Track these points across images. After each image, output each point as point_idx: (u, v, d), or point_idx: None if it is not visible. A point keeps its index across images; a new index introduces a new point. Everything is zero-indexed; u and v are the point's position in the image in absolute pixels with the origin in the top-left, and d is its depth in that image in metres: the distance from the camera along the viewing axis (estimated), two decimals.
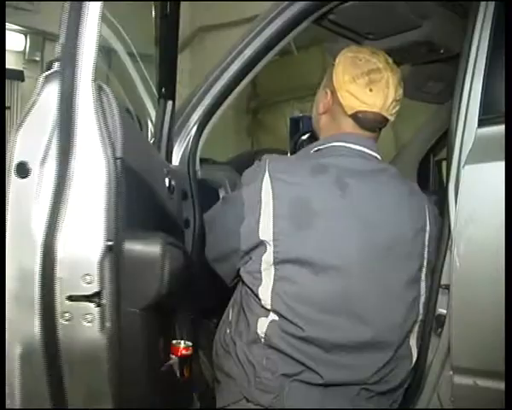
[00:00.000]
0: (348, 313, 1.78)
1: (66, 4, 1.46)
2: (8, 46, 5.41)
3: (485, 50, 1.93)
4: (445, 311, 1.94)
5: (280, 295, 1.75)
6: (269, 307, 1.76)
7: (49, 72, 1.48)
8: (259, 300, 1.78)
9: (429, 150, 3.58)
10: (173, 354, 1.84)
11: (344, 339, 1.78)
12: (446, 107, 3.19)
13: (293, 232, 1.76)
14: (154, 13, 2.37)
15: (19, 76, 5.69)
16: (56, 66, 1.48)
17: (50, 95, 1.47)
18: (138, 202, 1.65)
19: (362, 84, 1.90)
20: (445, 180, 3.24)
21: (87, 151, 1.47)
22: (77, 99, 1.46)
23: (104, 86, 1.52)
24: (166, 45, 2.24)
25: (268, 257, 1.76)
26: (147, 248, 1.56)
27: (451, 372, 1.90)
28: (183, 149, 2.31)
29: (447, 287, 1.90)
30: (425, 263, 1.93)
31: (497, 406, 1.56)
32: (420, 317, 1.96)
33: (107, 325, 1.48)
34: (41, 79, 1.48)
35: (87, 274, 1.46)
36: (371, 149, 1.94)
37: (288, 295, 1.75)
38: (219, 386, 1.91)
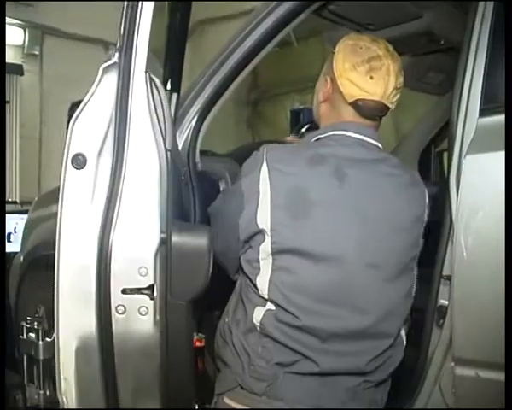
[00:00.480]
0: (345, 302, 1.78)
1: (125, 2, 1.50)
2: (7, 40, 5.39)
3: (487, 40, 1.94)
4: (446, 302, 1.94)
5: (277, 284, 1.76)
6: (266, 296, 1.77)
7: (107, 63, 1.51)
8: (257, 289, 1.79)
9: (430, 141, 3.57)
10: None
11: (341, 328, 1.78)
12: (447, 98, 3.20)
13: (291, 222, 1.76)
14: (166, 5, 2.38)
15: (18, 70, 5.68)
16: (115, 57, 1.50)
17: (107, 86, 1.50)
18: (177, 192, 1.69)
19: (362, 72, 1.88)
20: (446, 171, 3.25)
21: (140, 143, 1.49)
22: (132, 90, 1.49)
23: (154, 78, 1.55)
24: (174, 38, 2.24)
25: (266, 247, 1.76)
26: (195, 240, 1.58)
27: (453, 364, 1.90)
28: (183, 141, 2.30)
29: (449, 278, 1.90)
30: (418, 252, 1.92)
31: (499, 397, 1.56)
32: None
33: (158, 317, 1.52)
34: (100, 71, 1.50)
35: (142, 267, 1.49)
36: (372, 138, 1.93)
37: (285, 285, 1.76)
38: (218, 375, 1.91)
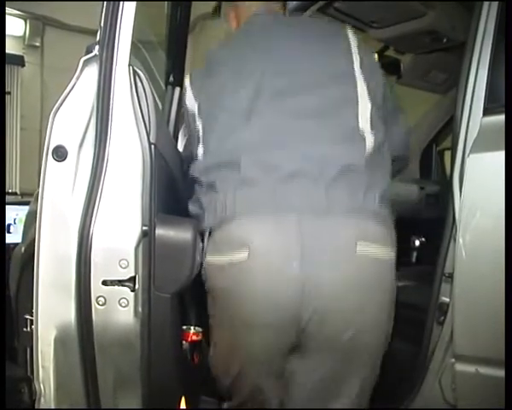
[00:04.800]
0: None
1: None
2: (7, 31, 5.37)
3: (491, 39, 1.93)
4: (447, 299, 1.95)
5: None
6: None
7: (87, 56, 1.50)
8: None
9: (432, 140, 3.58)
10: (184, 339, 1.84)
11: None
12: (449, 96, 3.20)
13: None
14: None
15: (19, 61, 5.66)
16: (95, 49, 1.50)
17: (89, 79, 1.49)
18: (166, 186, 1.67)
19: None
20: (447, 170, 3.26)
21: (123, 136, 1.48)
22: (114, 83, 1.47)
23: (139, 71, 1.54)
24: (176, 33, 2.25)
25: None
26: (179, 234, 1.57)
27: (453, 360, 1.91)
28: (186, 139, 2.31)
29: (450, 276, 1.91)
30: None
31: (499, 393, 1.57)
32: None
33: (140, 309, 1.51)
34: (80, 63, 1.50)
35: (123, 259, 1.48)
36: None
37: None
38: None
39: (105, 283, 1.49)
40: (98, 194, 1.45)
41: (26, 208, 2.84)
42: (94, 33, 1.53)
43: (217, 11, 2.09)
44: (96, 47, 1.49)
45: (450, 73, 3.22)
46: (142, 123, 1.48)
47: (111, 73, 1.45)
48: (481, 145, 1.85)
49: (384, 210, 1.63)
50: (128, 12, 1.46)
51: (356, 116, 1.67)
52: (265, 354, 1.62)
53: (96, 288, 1.49)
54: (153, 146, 1.49)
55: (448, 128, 3.25)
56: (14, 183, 5.52)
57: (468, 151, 1.87)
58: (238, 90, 1.68)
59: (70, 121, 1.47)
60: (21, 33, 5.87)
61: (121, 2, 1.46)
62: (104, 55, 1.46)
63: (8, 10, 5.42)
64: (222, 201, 1.59)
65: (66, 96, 1.46)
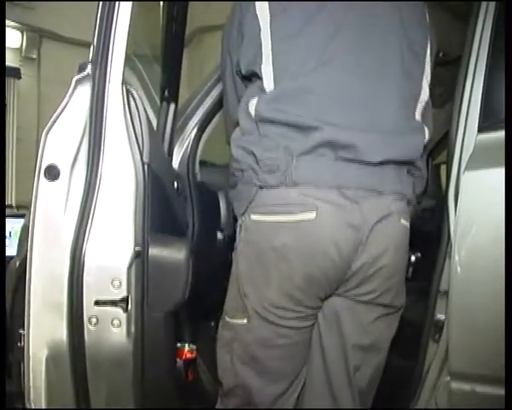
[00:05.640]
0: None
1: (99, 8, 1.48)
2: None
3: (485, 57, 1.94)
4: (443, 316, 1.94)
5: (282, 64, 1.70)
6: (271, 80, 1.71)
7: (80, 75, 1.50)
8: (261, 80, 1.72)
9: (428, 154, 3.57)
10: (178, 357, 1.84)
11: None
12: (445, 110, 3.20)
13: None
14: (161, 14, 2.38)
15: (15, 73, 5.67)
16: (88, 68, 1.49)
17: (81, 98, 1.49)
18: (159, 205, 1.67)
19: None
20: (443, 184, 3.26)
21: (116, 155, 1.48)
22: (107, 103, 1.47)
23: (132, 90, 1.53)
24: (171, 48, 2.24)
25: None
26: (172, 254, 1.57)
27: (449, 378, 1.90)
28: (182, 152, 2.31)
29: (446, 293, 1.91)
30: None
31: None
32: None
33: (133, 329, 1.50)
34: (73, 82, 1.49)
35: (115, 279, 1.48)
36: None
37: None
38: (234, 197, 1.86)
39: (97, 303, 1.48)
40: (91, 213, 1.45)
41: (21, 221, 2.83)
42: (89, 45, 1.53)
43: None
44: (89, 66, 1.48)
45: (446, 86, 3.21)
46: (136, 143, 1.47)
47: (104, 93, 1.45)
48: (476, 162, 1.85)
49: (413, 194, 1.85)
50: (121, 30, 1.46)
51: (415, 110, 1.81)
52: (319, 283, 1.72)
53: (89, 308, 1.48)
54: (146, 166, 1.49)
55: (444, 142, 3.25)
56: (9, 195, 5.51)
57: (463, 168, 1.87)
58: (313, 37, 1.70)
59: (62, 140, 1.46)
60: (18, 45, 5.89)
61: (114, 21, 1.45)
62: (97, 73, 1.45)
63: (6, 22, 5.44)
64: (286, 161, 1.66)
65: (58, 116, 1.46)
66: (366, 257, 1.71)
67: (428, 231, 2.56)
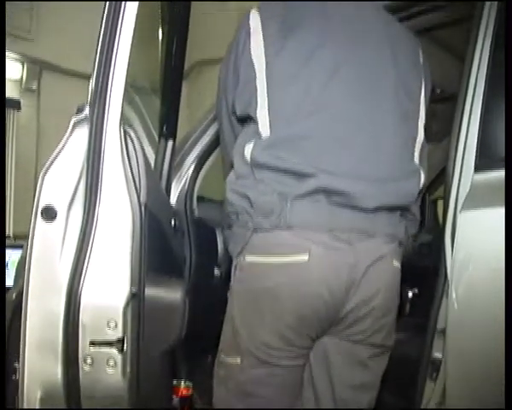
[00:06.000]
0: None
1: (98, 49, 1.50)
2: None
3: (482, 94, 1.94)
4: (440, 355, 1.93)
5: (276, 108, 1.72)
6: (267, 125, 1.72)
7: (78, 117, 1.51)
8: (257, 124, 1.73)
9: (425, 189, 3.57)
10: (174, 394, 1.83)
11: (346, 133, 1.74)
12: (442, 146, 3.21)
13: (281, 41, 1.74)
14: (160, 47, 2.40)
15: (15, 105, 5.70)
16: (86, 110, 1.50)
17: (79, 140, 1.50)
18: (156, 244, 1.68)
19: None
20: (440, 220, 3.26)
21: (113, 197, 1.49)
22: (104, 144, 1.48)
23: (130, 131, 1.55)
24: (170, 81, 2.26)
25: (261, 76, 1.74)
26: (169, 294, 1.58)
27: None
28: (180, 188, 2.32)
29: (443, 331, 1.90)
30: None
31: None
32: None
33: (129, 370, 1.50)
34: (71, 124, 1.51)
35: (111, 320, 1.48)
36: None
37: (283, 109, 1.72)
38: (229, 238, 1.86)
39: (93, 343, 1.48)
40: (87, 254, 1.45)
41: (18, 252, 2.83)
42: (89, 77, 1.54)
43: None
44: (87, 107, 1.49)
45: (444, 122, 3.23)
46: (133, 183, 1.48)
47: (101, 134, 1.46)
48: (473, 202, 1.85)
49: (405, 236, 1.88)
50: (119, 74, 1.47)
51: (414, 152, 1.86)
52: (311, 324, 1.73)
53: (84, 348, 1.48)
54: (143, 206, 1.49)
55: (441, 178, 3.26)
56: (7, 225, 5.51)
57: (459, 207, 1.87)
58: (311, 76, 1.72)
59: (60, 181, 1.47)
60: (18, 77, 5.91)
61: (113, 64, 1.46)
62: (95, 115, 1.46)
63: (6, 53, 5.47)
64: (281, 205, 1.67)
65: (56, 157, 1.47)
66: (358, 299, 1.73)
67: (426, 267, 2.56)
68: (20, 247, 2.86)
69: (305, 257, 1.67)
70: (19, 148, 5.73)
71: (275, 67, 1.72)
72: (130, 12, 1.54)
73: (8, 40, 5.33)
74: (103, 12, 1.56)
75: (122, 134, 1.49)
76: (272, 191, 1.68)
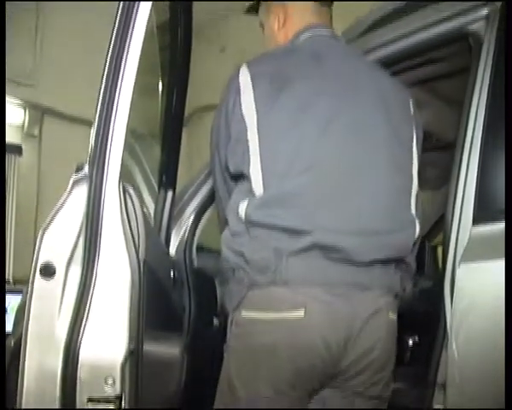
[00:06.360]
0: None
1: (97, 109, 1.51)
2: (7, 120, 5.46)
3: (479, 145, 1.95)
4: (441, 407, 1.91)
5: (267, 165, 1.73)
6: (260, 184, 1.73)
7: (77, 176, 1.53)
8: (250, 182, 1.73)
9: (425, 236, 3.58)
10: None
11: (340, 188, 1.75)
12: (441, 193, 3.22)
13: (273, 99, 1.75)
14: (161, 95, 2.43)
15: (16, 151, 5.72)
16: (85, 169, 1.52)
17: (78, 198, 1.51)
18: (154, 300, 1.68)
19: None
20: (440, 265, 3.25)
21: (112, 253, 1.50)
22: (103, 202, 1.49)
23: (129, 188, 1.56)
24: (170, 132, 2.28)
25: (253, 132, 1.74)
26: (167, 350, 1.59)
27: None
28: (179, 239, 2.33)
29: (443, 385, 1.88)
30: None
31: None
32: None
33: None
34: (70, 182, 1.52)
35: (109, 377, 1.47)
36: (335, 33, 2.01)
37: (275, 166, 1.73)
38: (226, 294, 1.85)
39: (91, 400, 1.48)
40: (85, 311, 1.46)
41: (18, 297, 2.83)
42: (91, 124, 1.55)
43: (255, 6, 2.08)
44: (86, 166, 1.51)
45: (442, 169, 3.25)
46: (131, 240, 1.49)
47: (101, 193, 1.47)
48: (471, 255, 1.85)
49: (401, 287, 1.86)
50: (119, 132, 1.49)
51: (410, 202, 1.86)
52: (308, 379, 1.73)
53: (82, 404, 1.48)
54: (142, 263, 1.50)
55: (440, 224, 3.26)
56: (7, 270, 5.50)
57: (458, 259, 1.87)
58: (304, 131, 1.74)
59: (59, 239, 1.49)
60: (20, 122, 5.95)
61: (112, 123, 1.48)
62: (94, 173, 1.48)
63: (8, 98, 5.52)
64: (276, 262, 1.67)
65: (55, 214, 1.49)
66: (356, 353, 1.72)
67: (426, 313, 2.55)
68: (20, 292, 2.85)
69: (301, 313, 1.67)
70: (20, 192, 5.74)
71: (266, 124, 1.73)
72: (131, 64, 1.56)
73: (10, 86, 5.43)
74: (104, 65, 1.59)
75: (121, 192, 1.50)
76: (267, 248, 1.68)
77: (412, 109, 1.95)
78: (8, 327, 2.74)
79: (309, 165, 1.71)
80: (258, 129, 1.73)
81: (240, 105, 1.76)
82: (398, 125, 1.86)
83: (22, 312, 2.69)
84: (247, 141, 1.73)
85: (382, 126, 1.82)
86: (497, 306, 1.64)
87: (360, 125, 1.79)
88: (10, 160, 5.72)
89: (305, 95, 1.77)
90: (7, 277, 5.46)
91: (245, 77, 1.79)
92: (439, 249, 3.22)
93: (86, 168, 1.51)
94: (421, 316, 2.54)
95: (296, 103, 1.75)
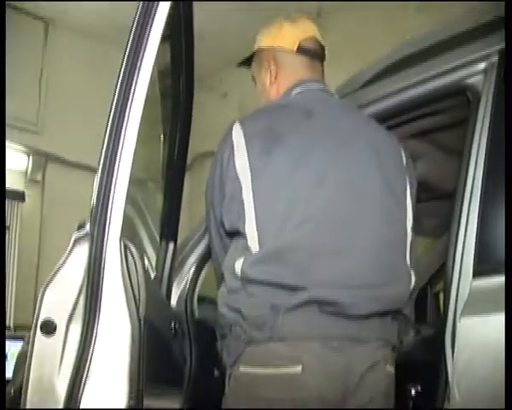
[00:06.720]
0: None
1: (100, 167, 1.54)
2: (10, 165, 5.48)
3: (479, 196, 1.95)
4: None
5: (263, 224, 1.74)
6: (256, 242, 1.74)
7: (79, 234, 1.54)
8: (246, 239, 1.75)
9: (426, 283, 3.58)
10: None
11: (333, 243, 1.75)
12: (442, 241, 3.23)
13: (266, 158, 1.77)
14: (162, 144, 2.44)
15: (19, 196, 5.73)
16: (87, 227, 1.53)
17: (79, 256, 1.52)
18: (155, 355, 1.68)
19: (288, 24, 2.06)
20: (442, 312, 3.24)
21: (112, 310, 1.50)
22: (104, 260, 1.51)
23: (130, 245, 1.57)
24: (172, 182, 2.29)
25: (247, 191, 1.76)
26: (167, 405, 1.58)
27: None
28: (180, 290, 2.33)
29: None
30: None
31: None
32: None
33: None
34: (71, 241, 1.53)
35: None
36: (327, 87, 2.06)
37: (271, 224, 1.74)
38: (224, 349, 1.86)
39: None
40: (85, 368, 1.46)
41: (18, 343, 2.82)
42: (94, 170, 1.56)
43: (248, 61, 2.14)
44: (88, 224, 1.52)
45: (442, 218, 3.26)
46: (132, 297, 1.50)
47: (102, 250, 1.49)
48: (472, 309, 1.85)
49: (398, 339, 1.89)
50: (120, 191, 1.51)
51: (405, 254, 1.87)
52: None
53: None
54: (142, 320, 1.50)
55: (441, 272, 3.26)
56: (8, 316, 5.47)
57: (458, 314, 1.87)
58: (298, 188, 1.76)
59: (60, 296, 1.49)
60: (24, 168, 5.99)
61: (114, 180, 1.50)
62: (96, 231, 1.49)
63: (12, 145, 5.57)
64: (273, 318, 1.68)
65: (56, 272, 1.50)
66: (353, 407, 1.72)
67: (429, 362, 2.53)
68: (21, 338, 2.84)
69: (298, 368, 1.68)
70: (22, 238, 5.74)
71: (260, 182, 1.76)
72: (135, 114, 1.59)
73: (14, 132, 5.48)
74: (109, 115, 1.61)
75: (122, 249, 1.51)
76: (264, 304, 1.69)
77: (405, 161, 1.98)
78: (8, 373, 2.74)
79: (303, 220, 1.73)
80: (252, 187, 1.75)
81: (234, 163, 1.79)
82: (391, 178, 1.88)
83: (22, 359, 2.69)
84: (241, 199, 1.76)
85: (376, 180, 1.85)
86: (498, 359, 1.64)
87: (353, 178, 1.82)
88: (13, 205, 5.73)
89: (298, 150, 1.80)
90: (7, 323, 5.44)
91: (238, 134, 1.82)
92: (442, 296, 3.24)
93: (87, 226, 1.52)
94: (424, 364, 2.52)
95: (289, 159, 1.78)
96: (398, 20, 4.95)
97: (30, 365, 1.47)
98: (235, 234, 1.80)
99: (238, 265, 1.73)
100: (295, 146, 1.80)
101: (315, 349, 1.69)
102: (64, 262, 1.51)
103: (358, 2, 5.17)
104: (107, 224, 1.49)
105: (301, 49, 2.04)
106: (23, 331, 3.38)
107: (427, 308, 3.59)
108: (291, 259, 1.70)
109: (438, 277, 3.50)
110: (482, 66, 2.09)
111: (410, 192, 1.94)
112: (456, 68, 2.16)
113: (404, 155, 1.99)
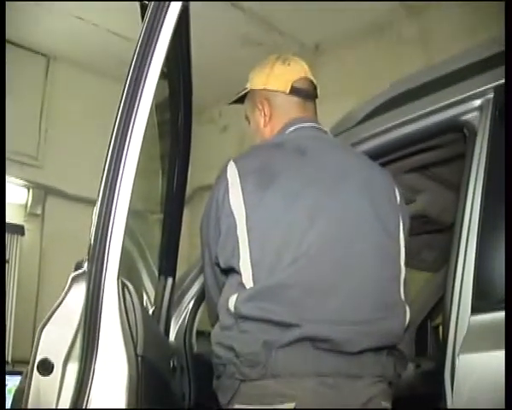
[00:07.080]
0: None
1: (98, 200, 1.54)
2: (10, 199, 5.51)
3: (476, 229, 1.96)
4: None
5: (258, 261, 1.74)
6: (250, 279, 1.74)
7: (76, 272, 1.55)
8: (241, 275, 1.75)
9: (426, 316, 3.57)
10: None
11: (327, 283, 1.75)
12: (440, 274, 3.23)
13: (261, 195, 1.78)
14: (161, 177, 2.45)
15: (19, 230, 5.74)
16: (85, 266, 1.54)
17: (77, 295, 1.53)
18: (153, 393, 1.68)
19: (281, 64, 2.09)
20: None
21: (110, 349, 1.50)
22: (102, 298, 1.51)
23: (127, 283, 1.57)
24: (170, 217, 2.29)
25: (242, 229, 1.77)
26: None
27: None
28: (179, 324, 2.33)
29: None
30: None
31: None
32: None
33: None
34: (69, 279, 1.54)
35: None
36: (320, 125, 2.08)
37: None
38: (218, 387, 1.87)
39: None
40: (83, 408, 1.45)
41: (17, 378, 2.80)
42: (93, 203, 1.57)
43: (241, 99, 2.17)
44: (86, 263, 1.53)
45: (440, 251, 3.27)
46: (130, 336, 1.50)
47: (99, 289, 1.49)
48: (470, 346, 1.84)
49: (394, 374, 1.86)
50: (118, 230, 1.52)
51: (399, 289, 1.88)
52: None
53: None
54: (140, 359, 1.50)
55: (440, 306, 3.26)
56: (6, 351, 5.44)
57: (457, 351, 1.87)
58: (292, 227, 1.77)
59: (57, 336, 1.49)
60: (24, 202, 6.01)
61: (112, 220, 1.51)
62: (93, 270, 1.50)
63: (12, 179, 5.60)
64: (266, 355, 1.68)
65: (54, 311, 1.50)
66: None
67: (429, 395, 2.52)
68: (19, 373, 2.83)
69: (291, 405, 1.68)
70: (21, 272, 5.74)
71: (255, 219, 1.77)
72: (133, 149, 1.59)
73: (14, 166, 5.50)
74: (108, 148, 1.62)
75: (120, 288, 1.52)
76: (257, 341, 1.69)
77: (398, 198, 2.00)
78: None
79: (296, 257, 1.74)
80: (247, 224, 1.77)
81: (228, 200, 1.81)
82: (384, 215, 1.90)
83: (20, 396, 2.68)
84: (236, 236, 1.77)
85: (369, 216, 1.86)
86: (498, 397, 1.64)
87: (347, 215, 1.84)
88: (13, 239, 5.74)
89: (291, 188, 1.82)
90: (6, 357, 5.40)
91: (233, 173, 1.84)
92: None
93: (85, 265, 1.53)
94: (425, 397, 2.51)
95: (283, 197, 1.80)
96: (396, 56, 5.00)
97: (27, 403, 1.47)
98: (230, 271, 1.81)
99: (232, 301, 1.74)
100: (289, 184, 1.82)
101: (308, 386, 1.69)
102: (61, 301, 1.51)
103: (356, 37, 5.22)
104: (105, 262, 1.49)
105: (294, 91, 2.07)
106: (21, 367, 3.36)
107: (428, 341, 3.58)
108: (284, 295, 1.71)
109: (437, 310, 3.50)
110: (478, 102, 2.11)
111: (403, 229, 1.96)
112: (452, 105, 2.18)
113: (397, 191, 2.01)
